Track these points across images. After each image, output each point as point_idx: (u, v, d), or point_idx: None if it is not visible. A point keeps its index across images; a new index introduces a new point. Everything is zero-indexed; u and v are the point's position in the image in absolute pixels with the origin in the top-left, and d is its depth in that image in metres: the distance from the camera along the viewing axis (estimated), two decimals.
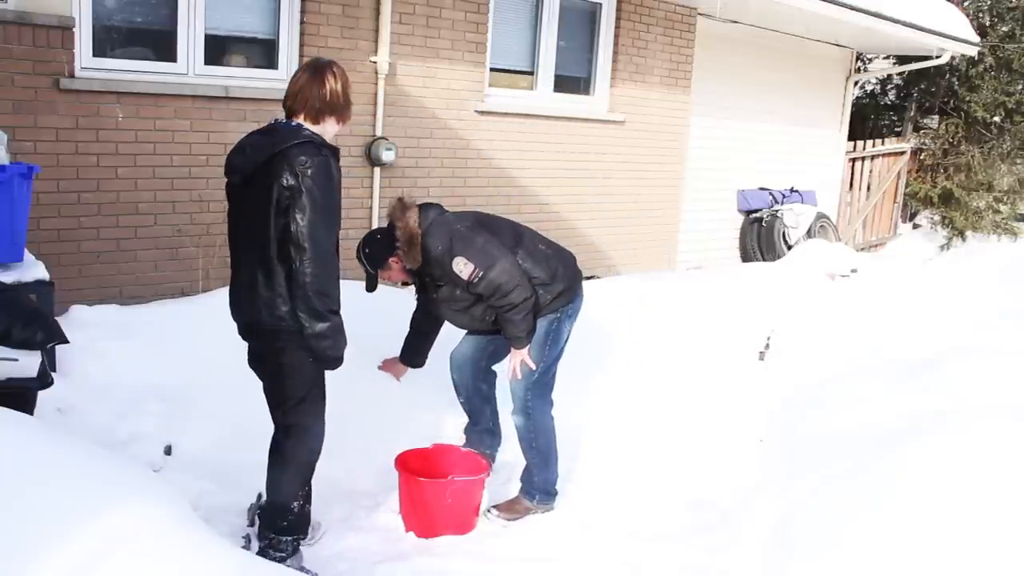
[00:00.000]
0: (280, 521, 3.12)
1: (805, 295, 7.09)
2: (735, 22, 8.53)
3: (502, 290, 3.46)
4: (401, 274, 3.63)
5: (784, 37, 9.20)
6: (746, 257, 9.48)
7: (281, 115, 3.00)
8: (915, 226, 12.29)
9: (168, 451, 3.71)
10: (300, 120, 2.94)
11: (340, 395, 3.56)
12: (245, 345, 3.15)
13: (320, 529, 3.44)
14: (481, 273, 3.44)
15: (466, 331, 3.96)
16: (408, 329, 4.09)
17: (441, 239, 3.49)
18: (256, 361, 3.13)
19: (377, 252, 3.58)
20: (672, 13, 7.84)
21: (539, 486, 3.80)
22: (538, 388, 3.73)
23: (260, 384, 3.13)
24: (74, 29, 4.64)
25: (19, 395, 2.94)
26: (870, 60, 11.94)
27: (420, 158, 6.26)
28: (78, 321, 4.08)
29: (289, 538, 3.14)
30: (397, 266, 3.58)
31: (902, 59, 11.18)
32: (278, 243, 2.83)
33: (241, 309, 3.04)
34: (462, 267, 3.46)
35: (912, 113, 12.50)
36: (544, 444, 3.78)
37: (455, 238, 3.50)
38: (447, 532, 3.54)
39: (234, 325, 3.13)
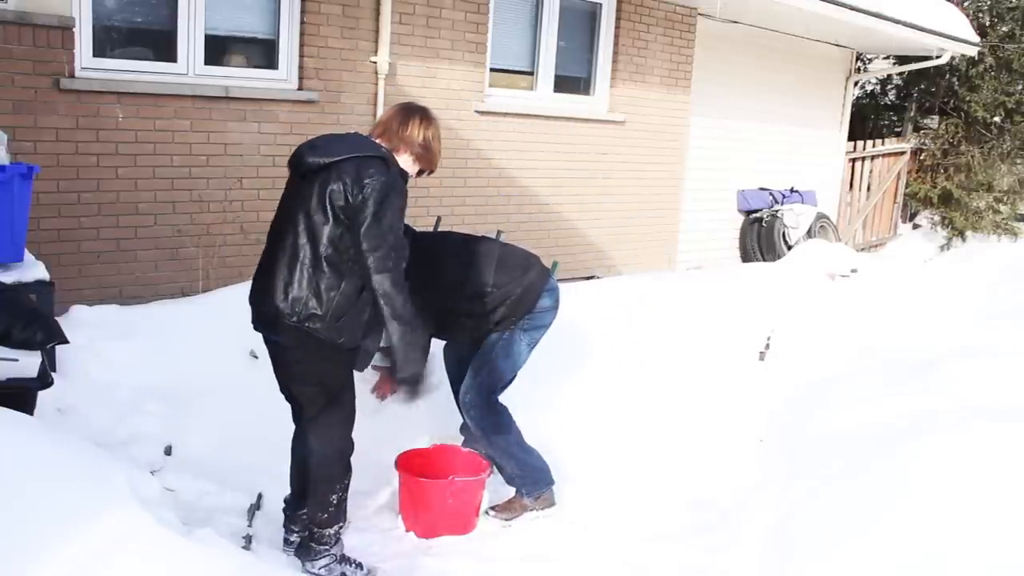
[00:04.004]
0: None
1: (805, 295, 7.07)
2: (735, 22, 8.53)
3: None
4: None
5: (784, 37, 9.19)
6: (746, 257, 9.48)
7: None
8: (915, 226, 12.27)
9: (168, 451, 3.70)
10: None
11: None
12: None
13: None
14: None
15: None
16: None
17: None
18: None
19: None
20: (672, 13, 7.84)
21: (521, 479, 3.74)
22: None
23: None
24: (74, 29, 4.64)
25: (19, 395, 2.95)
26: (870, 60, 11.93)
27: None
28: (78, 321, 4.08)
29: None
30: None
31: (902, 59, 11.17)
32: None
33: None
34: None
35: (912, 113, 12.48)
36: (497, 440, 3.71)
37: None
38: (448, 532, 3.54)
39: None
